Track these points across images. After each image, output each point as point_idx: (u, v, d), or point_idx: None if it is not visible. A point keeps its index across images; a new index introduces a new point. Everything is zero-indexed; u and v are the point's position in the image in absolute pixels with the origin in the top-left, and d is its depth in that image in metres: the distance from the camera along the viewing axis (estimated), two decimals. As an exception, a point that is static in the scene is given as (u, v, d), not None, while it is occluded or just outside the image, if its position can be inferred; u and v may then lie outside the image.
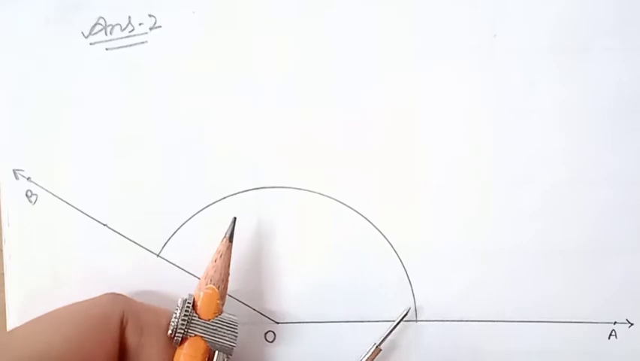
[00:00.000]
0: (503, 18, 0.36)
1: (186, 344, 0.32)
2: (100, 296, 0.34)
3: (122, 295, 0.34)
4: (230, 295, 0.37)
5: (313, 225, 0.37)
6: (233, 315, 0.34)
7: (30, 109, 0.37)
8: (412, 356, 0.37)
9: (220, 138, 0.37)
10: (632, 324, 0.37)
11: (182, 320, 0.32)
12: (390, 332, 0.36)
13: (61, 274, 0.37)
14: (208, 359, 0.33)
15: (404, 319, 0.36)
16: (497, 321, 0.37)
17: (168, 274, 0.37)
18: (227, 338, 0.33)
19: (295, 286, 0.37)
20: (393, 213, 0.37)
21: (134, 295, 0.36)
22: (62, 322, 0.32)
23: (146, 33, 0.37)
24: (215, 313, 0.33)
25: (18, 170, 0.37)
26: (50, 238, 0.37)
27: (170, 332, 0.32)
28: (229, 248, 0.35)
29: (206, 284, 0.34)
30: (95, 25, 0.37)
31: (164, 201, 0.37)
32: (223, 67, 0.37)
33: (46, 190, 0.37)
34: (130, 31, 0.37)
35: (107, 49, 0.37)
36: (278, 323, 0.38)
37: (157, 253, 0.37)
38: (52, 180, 0.37)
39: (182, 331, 0.32)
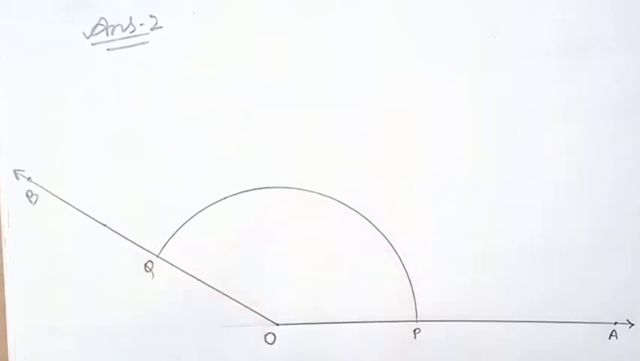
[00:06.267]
0: (503, 19, 0.36)
1: None
2: None
3: None
4: (230, 297, 0.37)
5: (313, 225, 0.37)
6: None
7: (31, 109, 0.37)
8: (412, 355, 0.37)
9: (220, 138, 0.37)
10: (632, 324, 0.37)
11: None
12: None
13: (61, 274, 0.37)
14: None
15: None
16: (497, 321, 0.37)
17: (168, 275, 0.37)
18: None
19: (295, 287, 0.37)
20: (393, 214, 0.37)
21: (134, 295, 0.36)
22: None
23: (147, 34, 0.37)
24: None
25: (18, 170, 0.37)
26: (50, 238, 0.37)
27: None
28: None
29: None
30: (97, 25, 0.37)
31: (164, 201, 0.37)
32: (223, 67, 0.37)
33: (47, 190, 0.37)
34: (131, 32, 0.37)
35: (108, 49, 0.37)
36: (278, 324, 0.37)
37: (157, 253, 0.37)
38: (52, 181, 0.37)
39: None
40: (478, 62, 0.37)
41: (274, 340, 0.37)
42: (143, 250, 0.37)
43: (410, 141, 0.37)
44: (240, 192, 0.37)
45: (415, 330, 0.37)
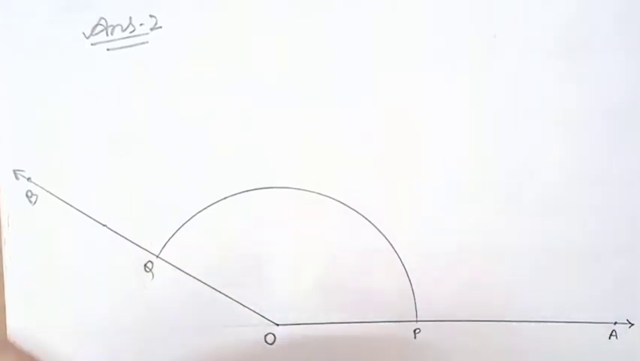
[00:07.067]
0: (503, 18, 0.36)
1: None
2: None
3: None
4: (229, 297, 0.37)
5: (313, 225, 0.37)
6: None
7: (30, 109, 0.37)
8: (412, 355, 0.37)
9: (220, 139, 0.37)
10: (632, 324, 0.37)
11: None
12: None
13: (61, 275, 0.37)
14: None
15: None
16: (497, 321, 0.37)
17: (168, 275, 0.37)
18: None
19: (295, 287, 0.37)
20: (393, 213, 0.37)
21: (134, 295, 0.36)
22: None
23: (147, 34, 0.37)
24: None
25: (18, 170, 0.37)
26: (50, 238, 0.37)
27: None
28: None
29: None
30: (96, 25, 0.37)
31: (164, 201, 0.37)
32: (223, 67, 0.37)
33: (47, 191, 0.37)
34: (131, 32, 0.37)
35: (108, 49, 0.37)
36: (278, 325, 0.37)
37: (157, 253, 0.37)
38: (52, 181, 0.37)
39: None
40: (478, 62, 0.37)
41: (274, 340, 0.37)
42: (143, 250, 0.37)
43: (410, 141, 0.37)
44: (240, 192, 0.37)
45: (415, 330, 0.37)
